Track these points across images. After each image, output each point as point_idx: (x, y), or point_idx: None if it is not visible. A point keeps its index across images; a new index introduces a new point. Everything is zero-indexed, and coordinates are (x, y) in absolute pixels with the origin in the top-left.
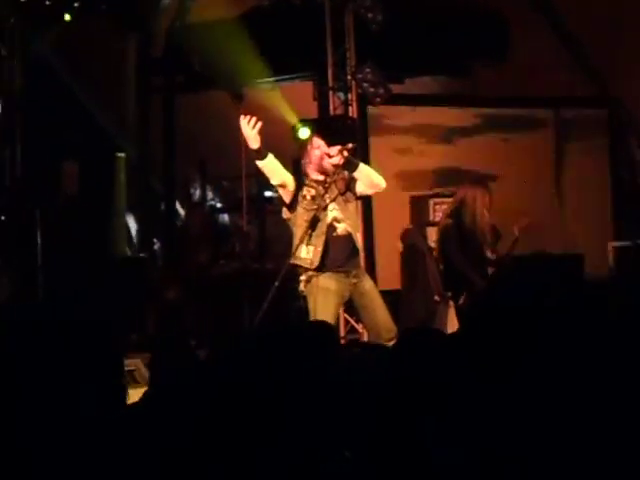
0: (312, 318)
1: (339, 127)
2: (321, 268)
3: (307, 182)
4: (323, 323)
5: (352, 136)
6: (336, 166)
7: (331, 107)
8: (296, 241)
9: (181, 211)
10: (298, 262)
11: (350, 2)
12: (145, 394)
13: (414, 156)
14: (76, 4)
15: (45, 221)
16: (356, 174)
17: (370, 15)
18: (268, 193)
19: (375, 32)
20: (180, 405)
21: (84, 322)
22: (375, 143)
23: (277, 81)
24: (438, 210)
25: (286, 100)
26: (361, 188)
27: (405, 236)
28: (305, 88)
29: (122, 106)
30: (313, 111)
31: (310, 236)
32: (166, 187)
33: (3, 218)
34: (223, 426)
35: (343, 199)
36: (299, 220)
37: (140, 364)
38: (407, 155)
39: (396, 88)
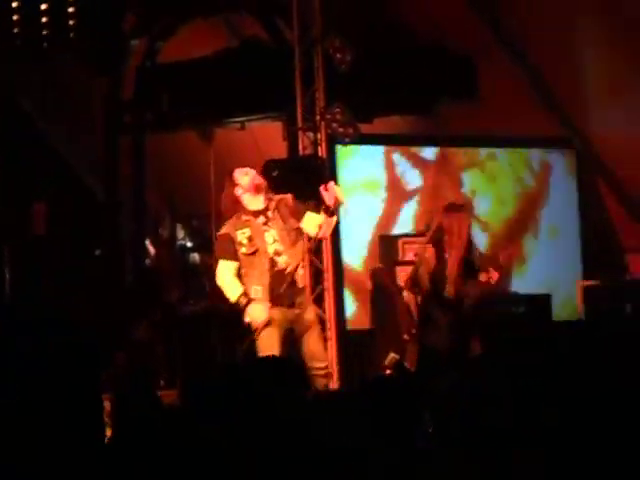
0: (259, 353)
1: (310, 167)
2: (273, 304)
3: (242, 222)
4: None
5: (321, 176)
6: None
7: (300, 147)
8: (244, 284)
9: (151, 250)
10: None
11: (319, 43)
12: (110, 439)
13: (384, 196)
14: (45, 45)
15: (14, 260)
16: (302, 223)
17: (339, 56)
18: None
19: (344, 72)
20: (144, 453)
21: (64, 360)
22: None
23: (246, 121)
24: (407, 250)
25: (255, 140)
26: (311, 233)
27: (374, 276)
28: (274, 128)
29: (91, 145)
30: (282, 151)
31: (254, 277)
32: (136, 226)
33: None
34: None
35: (285, 227)
36: (243, 265)
37: (107, 404)
38: (377, 195)
39: (365, 128)
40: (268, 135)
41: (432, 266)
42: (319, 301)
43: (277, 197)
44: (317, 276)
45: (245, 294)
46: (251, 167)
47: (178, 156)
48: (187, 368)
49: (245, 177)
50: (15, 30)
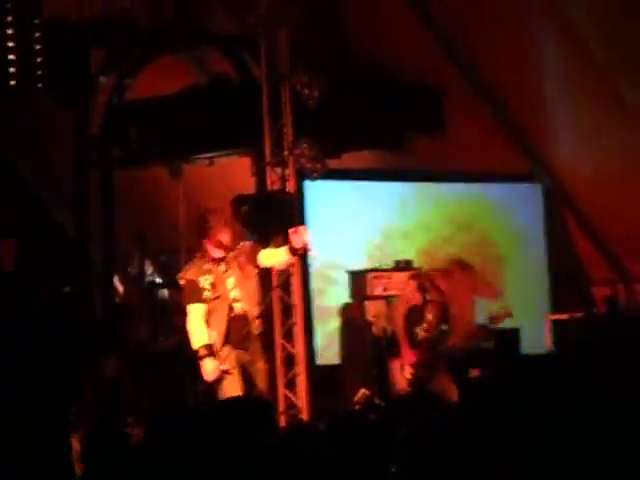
0: (223, 395)
1: (278, 202)
2: (224, 348)
3: (205, 269)
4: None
5: (289, 212)
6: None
7: (269, 182)
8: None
9: (119, 286)
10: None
11: (287, 79)
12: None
13: (352, 231)
14: (12, 82)
15: None
16: (258, 260)
17: (307, 91)
18: None
19: (312, 108)
20: None
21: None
22: (312, 218)
23: (215, 157)
24: (376, 285)
25: (224, 175)
26: (266, 265)
27: (344, 311)
28: (243, 163)
29: (60, 180)
30: (251, 186)
31: (214, 322)
32: (105, 262)
33: None
34: None
35: (243, 275)
36: (207, 309)
37: (75, 442)
38: (346, 230)
39: (333, 162)
40: (237, 170)
41: (411, 303)
42: (289, 336)
43: (237, 246)
44: (286, 311)
45: (207, 346)
46: (220, 202)
47: (147, 192)
48: (155, 405)
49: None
50: None
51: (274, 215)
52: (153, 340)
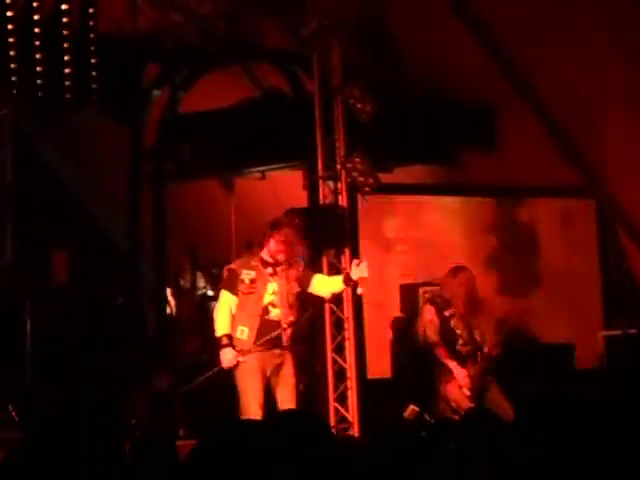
0: (243, 399)
1: (330, 216)
2: (255, 348)
3: (251, 264)
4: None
5: (341, 226)
6: (284, 262)
7: (321, 196)
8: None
9: (171, 300)
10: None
11: (340, 93)
12: None
13: (404, 244)
14: (68, 96)
15: (35, 310)
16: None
17: (359, 105)
18: None
19: (364, 122)
20: None
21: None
22: (365, 231)
23: (267, 170)
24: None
25: (276, 189)
26: (316, 293)
27: (395, 325)
28: (295, 177)
29: (113, 194)
30: (303, 200)
31: (244, 317)
32: (157, 275)
33: None
34: None
35: (287, 287)
36: (238, 302)
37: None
38: (398, 243)
39: (385, 177)
40: (288, 184)
41: (437, 324)
42: (340, 350)
43: (292, 260)
44: (338, 325)
45: (228, 336)
46: (271, 216)
47: (199, 205)
48: (206, 418)
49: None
50: (38, 81)
51: (326, 229)
52: (204, 353)
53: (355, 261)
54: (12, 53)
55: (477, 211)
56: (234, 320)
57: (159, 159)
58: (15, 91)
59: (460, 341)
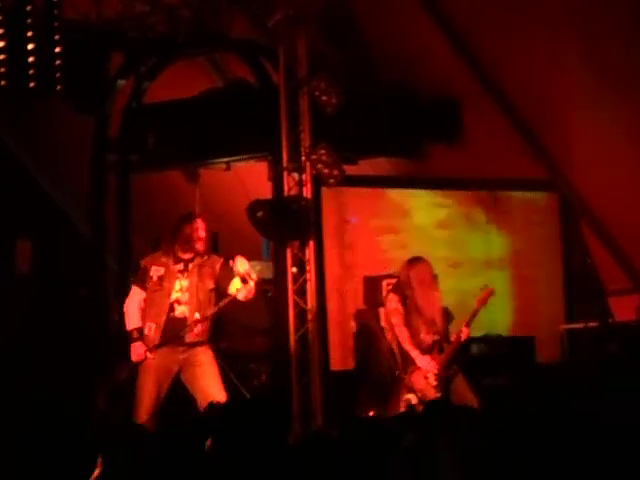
0: (137, 396)
1: (293, 208)
2: (159, 345)
3: (161, 261)
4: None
5: (305, 217)
6: (204, 251)
7: (286, 188)
8: (143, 317)
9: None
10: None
11: (305, 84)
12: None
13: (368, 237)
14: (32, 84)
15: None
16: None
17: (325, 98)
18: None
19: (329, 114)
20: None
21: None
22: (328, 224)
23: (232, 161)
24: None
25: (240, 180)
26: (231, 290)
27: (358, 317)
28: (260, 168)
29: (77, 183)
30: (268, 191)
31: (152, 314)
32: (121, 266)
33: None
34: None
35: (199, 285)
36: (147, 298)
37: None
38: (361, 236)
39: (350, 169)
40: (253, 175)
41: (402, 312)
42: (303, 341)
43: (206, 257)
44: (301, 316)
45: (139, 330)
46: (237, 207)
47: (164, 196)
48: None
49: (199, 233)
50: (1, 69)
51: (290, 221)
52: None
53: (230, 262)
54: None
55: (442, 204)
56: (144, 315)
57: (124, 149)
58: None
59: (423, 330)
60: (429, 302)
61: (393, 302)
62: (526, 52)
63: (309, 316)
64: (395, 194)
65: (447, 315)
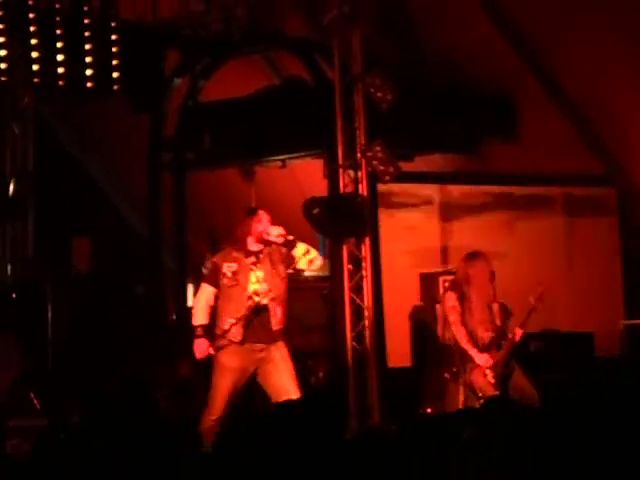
0: (212, 392)
1: (349, 205)
2: (242, 341)
3: (232, 256)
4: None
5: (361, 214)
6: (273, 242)
7: (341, 185)
8: (219, 315)
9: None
10: (221, 334)
11: (360, 81)
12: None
13: (424, 233)
14: (89, 84)
15: (56, 297)
16: (295, 252)
17: (380, 94)
18: None
19: (385, 111)
20: None
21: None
22: (385, 220)
23: (287, 159)
24: None
25: (296, 178)
26: (301, 265)
27: (415, 313)
28: (315, 166)
29: (133, 183)
30: (323, 189)
31: (231, 309)
32: (177, 264)
33: (14, 294)
34: None
35: (273, 272)
36: (222, 296)
37: None
38: (417, 232)
39: (406, 165)
40: (309, 173)
41: (459, 311)
42: (360, 338)
43: (273, 246)
44: (358, 313)
45: (203, 327)
46: (292, 205)
47: (219, 194)
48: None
49: (264, 224)
50: (60, 70)
51: (346, 218)
52: None
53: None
54: (33, 42)
55: (497, 200)
56: (222, 312)
57: (180, 148)
58: (36, 80)
59: (481, 328)
60: (486, 299)
61: (451, 300)
62: (583, 44)
63: (366, 313)
64: (451, 190)
65: (505, 311)
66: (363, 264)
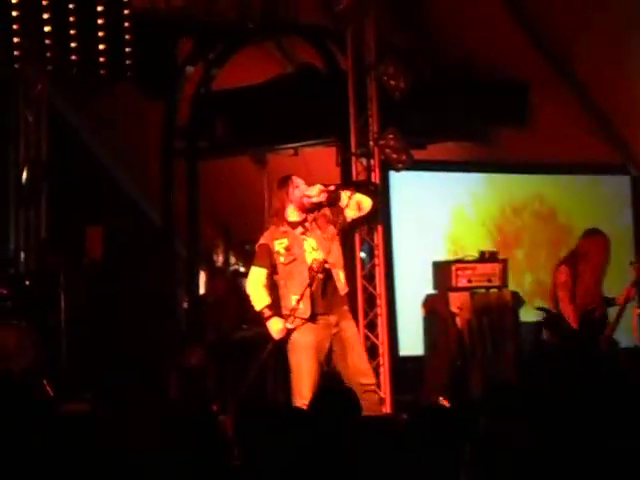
0: (294, 375)
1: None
2: (313, 316)
3: (280, 232)
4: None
5: (374, 202)
6: (317, 204)
7: (354, 173)
8: (283, 295)
9: (204, 275)
10: (289, 313)
11: (373, 69)
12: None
13: (436, 221)
14: (102, 72)
15: (69, 285)
16: (341, 202)
17: (393, 82)
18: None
19: (398, 99)
20: None
21: None
22: (397, 208)
23: (300, 147)
24: (461, 276)
25: (308, 166)
26: (350, 214)
27: (428, 302)
28: (328, 154)
29: (146, 170)
30: (336, 177)
31: (295, 286)
32: (190, 252)
33: (28, 282)
34: None
35: (325, 237)
36: (282, 275)
37: None
38: (430, 221)
39: (418, 154)
40: (321, 161)
41: (570, 287)
42: (372, 327)
43: (316, 211)
44: (370, 302)
45: (269, 306)
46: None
47: (232, 182)
48: (240, 394)
49: (302, 187)
50: (73, 57)
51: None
52: (237, 329)
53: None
54: (47, 29)
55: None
56: (285, 292)
57: (192, 135)
58: (50, 67)
59: (582, 309)
60: (599, 278)
61: (563, 275)
62: (597, 31)
63: (378, 301)
64: (464, 178)
65: (517, 300)
66: (376, 252)
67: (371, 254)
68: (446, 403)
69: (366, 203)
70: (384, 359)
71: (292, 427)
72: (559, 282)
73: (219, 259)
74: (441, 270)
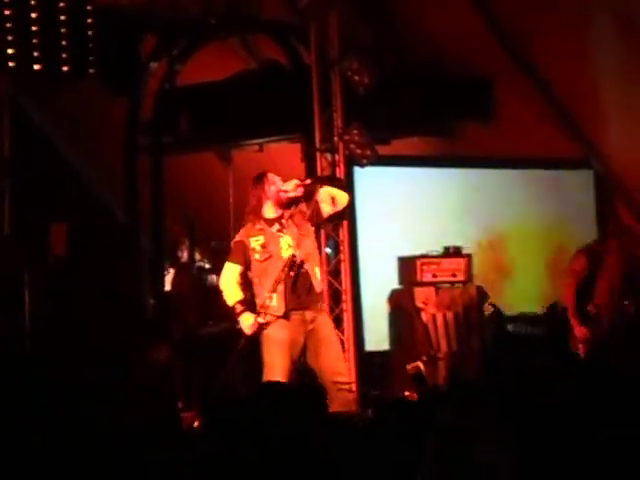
0: (266, 371)
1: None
2: (287, 313)
3: (256, 230)
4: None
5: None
6: (294, 199)
7: (318, 168)
8: (258, 292)
9: (170, 272)
10: (261, 310)
11: (337, 65)
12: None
13: (402, 217)
14: (65, 68)
15: (34, 282)
16: (317, 197)
17: (357, 78)
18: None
19: (362, 94)
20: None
21: None
22: (362, 204)
23: (265, 142)
24: (425, 271)
25: (273, 161)
26: (326, 209)
27: (393, 297)
28: (293, 149)
29: (111, 166)
30: (301, 172)
31: (270, 283)
32: (155, 249)
33: None
34: None
35: (301, 233)
36: (256, 272)
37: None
38: (395, 216)
39: (383, 149)
40: (286, 157)
41: (582, 277)
42: (338, 322)
43: (293, 206)
44: (336, 297)
45: (241, 302)
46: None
47: (197, 178)
48: (205, 390)
49: (278, 184)
50: (35, 54)
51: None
52: (203, 325)
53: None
54: (8, 25)
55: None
56: (259, 289)
57: (157, 131)
58: (12, 64)
59: (595, 301)
60: (615, 275)
61: (577, 263)
62: (560, 26)
63: (344, 297)
64: (428, 174)
65: (482, 294)
66: (341, 247)
67: (336, 250)
68: (412, 397)
69: (342, 198)
70: (350, 354)
71: (259, 420)
72: (570, 268)
73: (184, 255)
74: (406, 265)
